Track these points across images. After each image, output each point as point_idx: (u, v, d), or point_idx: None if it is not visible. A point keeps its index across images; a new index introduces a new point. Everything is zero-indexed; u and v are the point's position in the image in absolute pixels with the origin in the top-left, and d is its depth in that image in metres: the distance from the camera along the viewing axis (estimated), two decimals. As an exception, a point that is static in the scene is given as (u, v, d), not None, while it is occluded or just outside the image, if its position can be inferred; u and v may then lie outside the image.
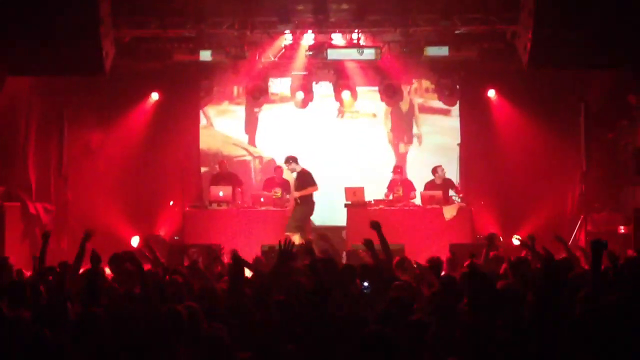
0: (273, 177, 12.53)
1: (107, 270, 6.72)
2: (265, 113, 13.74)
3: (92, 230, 6.30)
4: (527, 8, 10.23)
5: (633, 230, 10.72)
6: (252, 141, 13.89)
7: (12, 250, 10.12)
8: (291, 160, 11.81)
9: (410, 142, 13.83)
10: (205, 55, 12.02)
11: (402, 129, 13.83)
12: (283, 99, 13.63)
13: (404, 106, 13.80)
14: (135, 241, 12.22)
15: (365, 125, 13.83)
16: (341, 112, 13.84)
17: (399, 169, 12.66)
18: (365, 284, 5.79)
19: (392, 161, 13.35)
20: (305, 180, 11.69)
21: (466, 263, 6.92)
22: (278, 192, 12.09)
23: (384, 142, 13.79)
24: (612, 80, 11.95)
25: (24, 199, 11.69)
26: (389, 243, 6.59)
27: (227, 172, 12.75)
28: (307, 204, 11.69)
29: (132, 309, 4.81)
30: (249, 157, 13.88)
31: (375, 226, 6.55)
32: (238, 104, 13.84)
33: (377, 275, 5.95)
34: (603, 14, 9.66)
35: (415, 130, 13.83)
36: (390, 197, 12.20)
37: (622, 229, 11.31)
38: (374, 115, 13.85)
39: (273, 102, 13.64)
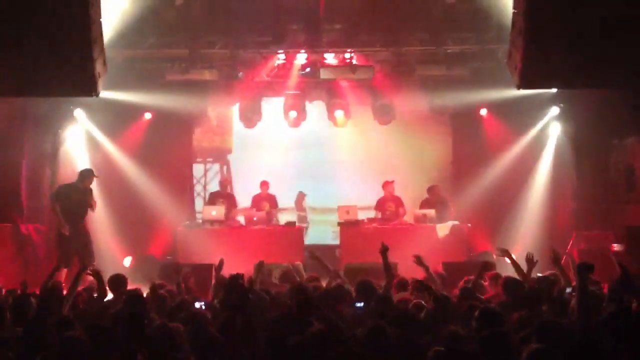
0: (260, 193, 12.63)
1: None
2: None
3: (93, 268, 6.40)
4: (517, 27, 10.30)
5: (625, 248, 10.73)
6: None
7: (3, 271, 10.06)
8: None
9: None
10: (198, 74, 12.05)
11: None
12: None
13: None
14: (127, 261, 12.17)
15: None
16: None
17: (388, 186, 12.64)
18: (358, 304, 5.77)
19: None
20: None
21: (460, 283, 6.94)
22: (266, 206, 12.29)
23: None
24: (603, 98, 12.03)
25: (15, 219, 11.63)
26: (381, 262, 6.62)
27: (227, 193, 12.74)
28: None
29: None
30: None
31: (383, 251, 6.58)
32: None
33: (374, 293, 5.96)
34: (595, 34, 9.74)
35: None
36: (379, 216, 12.20)
37: (615, 247, 11.33)
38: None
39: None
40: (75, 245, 10.14)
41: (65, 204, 10.26)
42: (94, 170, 10.77)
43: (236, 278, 5.57)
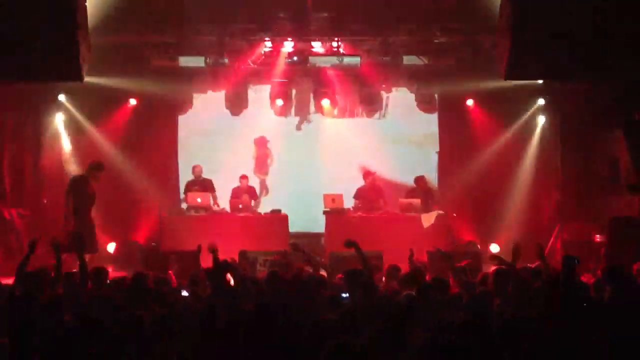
0: (239, 186, 12.66)
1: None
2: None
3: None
4: (505, 19, 10.31)
5: (609, 239, 10.81)
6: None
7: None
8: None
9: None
10: (185, 61, 11.97)
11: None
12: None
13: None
14: (111, 247, 12.11)
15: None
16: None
17: (369, 175, 12.63)
18: (344, 295, 5.76)
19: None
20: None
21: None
22: (246, 198, 12.39)
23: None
24: (589, 90, 12.08)
25: (-2, 204, 11.56)
26: (367, 250, 6.62)
27: (201, 178, 12.67)
28: None
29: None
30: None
31: (350, 244, 6.52)
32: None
33: (363, 280, 5.95)
34: (580, 26, 9.76)
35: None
36: (359, 205, 12.21)
37: (598, 238, 11.42)
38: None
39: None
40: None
41: (77, 197, 10.36)
42: (102, 163, 10.80)
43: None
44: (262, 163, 13.68)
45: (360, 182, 12.64)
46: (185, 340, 4.51)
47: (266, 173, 13.74)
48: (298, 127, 13.89)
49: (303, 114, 13.75)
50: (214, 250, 6.37)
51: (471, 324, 4.42)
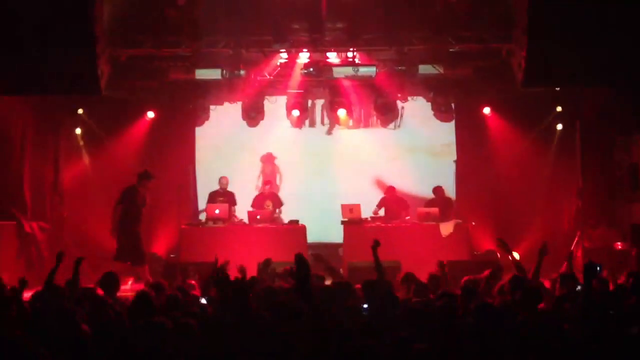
0: (262, 193, 12.69)
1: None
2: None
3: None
4: (521, 26, 10.29)
5: (630, 246, 10.70)
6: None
7: (6, 269, 10.07)
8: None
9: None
10: (201, 73, 12.06)
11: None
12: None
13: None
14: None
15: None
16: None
17: (391, 190, 12.66)
18: (365, 305, 5.69)
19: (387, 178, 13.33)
20: None
21: (464, 279, 6.91)
22: (269, 205, 12.36)
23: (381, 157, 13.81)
24: (607, 96, 12.00)
25: (19, 217, 11.65)
26: (385, 260, 6.58)
27: (226, 190, 12.74)
28: None
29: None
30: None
31: (374, 246, 6.51)
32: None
33: (380, 291, 5.91)
34: (597, 32, 9.72)
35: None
36: (382, 213, 12.21)
37: (619, 245, 11.30)
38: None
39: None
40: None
41: (125, 208, 10.84)
42: (150, 172, 11.23)
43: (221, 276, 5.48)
44: (268, 182, 13.27)
45: (376, 193, 12.65)
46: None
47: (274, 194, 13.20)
48: (329, 132, 13.89)
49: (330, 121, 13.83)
50: (242, 270, 6.44)
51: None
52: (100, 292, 6.40)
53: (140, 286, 8.11)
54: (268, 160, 13.87)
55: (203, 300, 6.36)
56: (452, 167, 13.48)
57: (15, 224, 11.48)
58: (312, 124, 13.86)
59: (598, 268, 5.29)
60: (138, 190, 10.95)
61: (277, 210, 12.61)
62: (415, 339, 4.42)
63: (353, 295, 6.28)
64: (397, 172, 13.34)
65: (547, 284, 7.04)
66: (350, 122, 13.60)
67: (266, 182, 12.92)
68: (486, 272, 7.28)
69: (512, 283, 6.10)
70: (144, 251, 11.07)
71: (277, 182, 13.63)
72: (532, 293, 5.65)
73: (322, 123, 13.87)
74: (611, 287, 6.52)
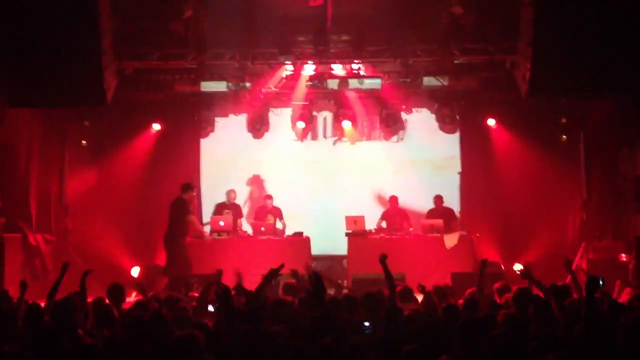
0: (264, 206, 12.68)
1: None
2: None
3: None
4: (526, 38, 10.31)
5: (635, 258, 10.65)
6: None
7: (11, 281, 10.07)
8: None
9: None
10: (206, 86, 12.11)
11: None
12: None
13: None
14: (135, 271, 12.17)
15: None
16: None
17: (394, 200, 12.66)
18: (366, 323, 5.65)
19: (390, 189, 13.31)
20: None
21: (468, 291, 6.90)
22: (271, 219, 12.38)
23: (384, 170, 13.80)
24: (612, 107, 12.01)
25: (24, 229, 11.66)
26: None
27: (233, 203, 12.76)
28: None
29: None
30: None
31: (382, 259, 6.44)
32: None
33: (381, 305, 5.89)
34: (601, 42, 9.73)
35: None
36: (385, 225, 12.20)
37: (623, 257, 11.26)
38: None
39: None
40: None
41: (172, 220, 11.06)
42: (190, 183, 11.57)
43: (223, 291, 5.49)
44: (269, 197, 12.85)
45: (379, 206, 12.65)
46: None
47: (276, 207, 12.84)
48: (334, 144, 13.91)
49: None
50: (238, 275, 6.40)
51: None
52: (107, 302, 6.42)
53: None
54: (254, 182, 13.76)
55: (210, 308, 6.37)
56: (457, 180, 13.46)
57: (21, 236, 11.49)
58: (315, 137, 13.85)
59: (601, 282, 5.28)
60: (185, 201, 11.09)
61: (281, 224, 12.55)
62: (421, 352, 4.42)
63: (356, 308, 6.26)
64: (400, 185, 13.29)
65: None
66: (355, 135, 13.61)
67: (267, 197, 12.87)
68: (497, 285, 7.26)
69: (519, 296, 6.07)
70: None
71: (269, 208, 13.14)
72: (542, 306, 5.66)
73: (325, 136, 13.88)
74: (615, 298, 6.48)
